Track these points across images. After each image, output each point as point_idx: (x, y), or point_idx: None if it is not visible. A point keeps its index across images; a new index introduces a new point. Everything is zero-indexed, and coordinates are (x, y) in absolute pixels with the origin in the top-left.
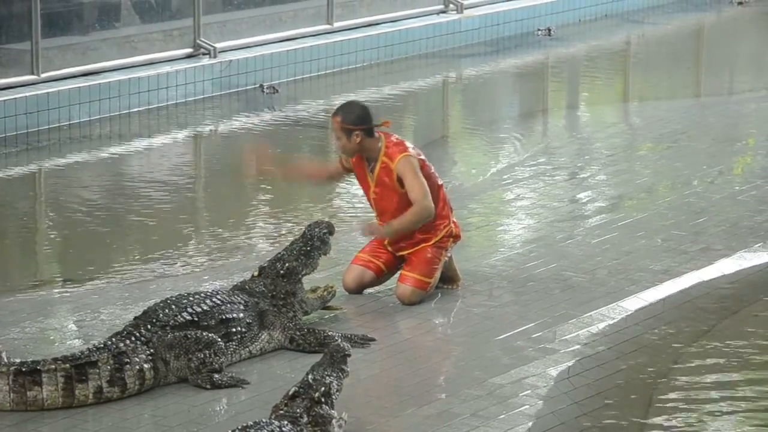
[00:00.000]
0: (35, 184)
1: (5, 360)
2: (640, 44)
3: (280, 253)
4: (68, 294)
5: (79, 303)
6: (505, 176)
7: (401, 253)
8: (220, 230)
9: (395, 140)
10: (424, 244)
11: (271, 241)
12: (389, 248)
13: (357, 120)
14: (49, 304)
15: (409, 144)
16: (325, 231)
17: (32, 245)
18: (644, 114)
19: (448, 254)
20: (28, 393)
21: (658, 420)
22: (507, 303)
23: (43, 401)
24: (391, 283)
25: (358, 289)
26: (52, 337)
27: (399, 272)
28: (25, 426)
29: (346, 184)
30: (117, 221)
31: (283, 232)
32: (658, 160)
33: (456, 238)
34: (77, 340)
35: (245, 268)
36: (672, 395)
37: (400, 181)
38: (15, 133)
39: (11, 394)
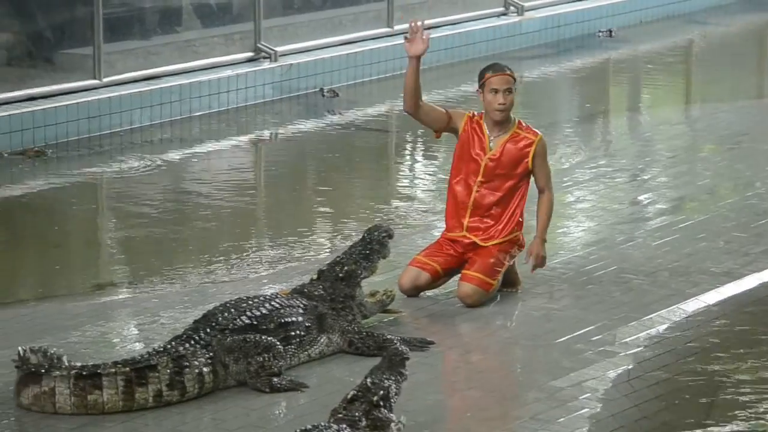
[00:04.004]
0: (97, 188)
1: (66, 364)
2: (702, 45)
3: (339, 256)
4: (129, 298)
5: (140, 307)
6: (565, 178)
7: (473, 237)
8: (280, 234)
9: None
10: (490, 242)
11: (331, 245)
12: (466, 221)
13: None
14: (109, 308)
15: None
16: (384, 235)
17: (94, 249)
18: (706, 115)
19: (512, 261)
20: (88, 397)
21: (718, 423)
22: (567, 306)
23: (103, 405)
24: (451, 285)
25: (413, 291)
26: (112, 341)
27: (459, 274)
28: (85, 429)
29: (406, 191)
30: (178, 225)
31: (344, 235)
32: (719, 161)
33: (521, 246)
34: (137, 344)
35: (305, 271)
36: (733, 398)
37: (535, 159)
38: (77, 137)
39: (72, 398)
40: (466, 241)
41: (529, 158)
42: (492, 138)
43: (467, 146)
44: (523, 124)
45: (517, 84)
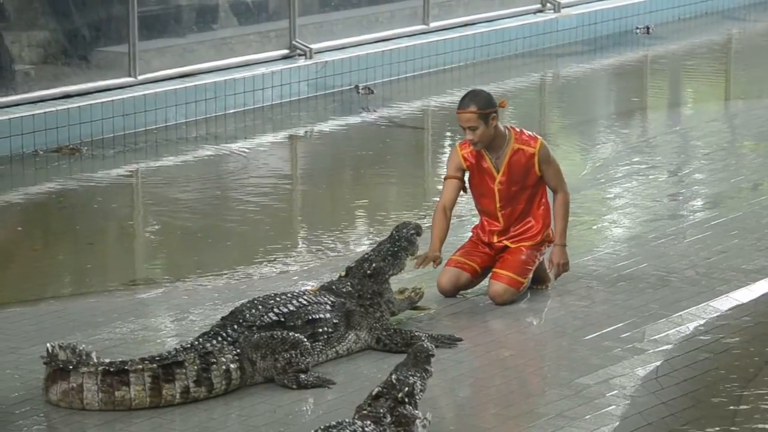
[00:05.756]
0: (132, 185)
1: (94, 360)
2: (741, 41)
3: (367, 253)
4: (159, 295)
5: (170, 303)
6: (599, 175)
7: (504, 242)
8: (313, 231)
9: (519, 129)
10: (523, 243)
11: (363, 242)
12: (495, 239)
13: (489, 102)
14: (140, 305)
15: None
16: (412, 232)
17: (127, 247)
18: (744, 112)
19: (542, 257)
20: (116, 393)
21: (747, 421)
22: (597, 303)
23: (130, 401)
24: (482, 283)
25: (453, 292)
26: (142, 338)
27: (492, 271)
28: (113, 425)
29: (440, 188)
30: (211, 223)
31: (377, 232)
32: (755, 158)
33: (550, 242)
34: (167, 340)
35: (335, 268)
36: (761, 397)
37: (540, 166)
38: (112, 135)
39: (99, 394)
40: (499, 245)
41: (536, 167)
42: (494, 159)
43: (476, 180)
44: (517, 130)
45: (503, 109)
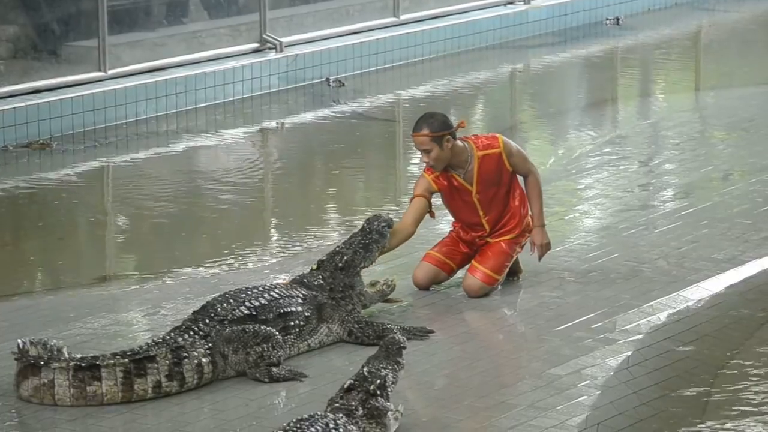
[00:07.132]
0: (102, 180)
1: (65, 356)
2: (710, 32)
3: (338, 246)
4: (131, 290)
5: (142, 298)
6: (569, 167)
7: (486, 239)
8: (285, 224)
9: (474, 136)
10: (502, 238)
11: (335, 235)
12: (478, 240)
13: (443, 125)
14: (111, 300)
15: None
16: (383, 224)
17: (98, 241)
18: (713, 103)
19: (521, 250)
20: (87, 388)
21: (718, 410)
22: (568, 293)
23: (102, 396)
24: (456, 274)
25: (428, 287)
26: (114, 333)
27: (470, 264)
28: (84, 421)
29: (412, 180)
30: (182, 217)
31: (348, 225)
32: (725, 148)
33: (529, 233)
34: (138, 335)
35: (307, 261)
36: (732, 385)
37: (510, 160)
38: (82, 129)
39: (71, 390)
40: (481, 243)
41: (506, 164)
42: (463, 175)
43: (452, 199)
44: (472, 137)
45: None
